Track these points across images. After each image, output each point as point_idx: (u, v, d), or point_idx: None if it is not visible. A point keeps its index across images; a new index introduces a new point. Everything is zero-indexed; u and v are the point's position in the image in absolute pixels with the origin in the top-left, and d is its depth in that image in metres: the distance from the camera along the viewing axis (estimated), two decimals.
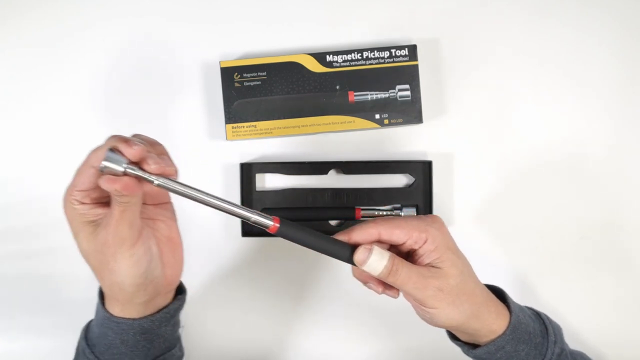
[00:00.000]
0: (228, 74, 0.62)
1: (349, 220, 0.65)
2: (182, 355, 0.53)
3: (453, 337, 0.51)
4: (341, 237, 0.45)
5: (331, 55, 0.62)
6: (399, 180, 0.66)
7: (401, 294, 0.47)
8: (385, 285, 0.47)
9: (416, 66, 0.63)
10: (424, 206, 0.65)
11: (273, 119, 0.62)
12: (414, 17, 0.65)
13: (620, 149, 0.66)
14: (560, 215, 0.66)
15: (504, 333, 0.46)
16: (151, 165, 0.40)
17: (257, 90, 0.62)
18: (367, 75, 0.62)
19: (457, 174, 0.66)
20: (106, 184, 0.39)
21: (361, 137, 0.65)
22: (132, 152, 0.39)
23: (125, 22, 0.65)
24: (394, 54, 0.63)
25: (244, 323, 0.66)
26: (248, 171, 0.65)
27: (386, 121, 0.63)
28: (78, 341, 0.49)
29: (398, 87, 0.63)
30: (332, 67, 0.62)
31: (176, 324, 0.50)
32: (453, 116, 0.65)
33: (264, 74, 0.62)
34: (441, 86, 0.65)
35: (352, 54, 0.62)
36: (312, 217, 0.65)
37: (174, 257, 0.46)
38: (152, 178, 0.40)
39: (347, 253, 0.45)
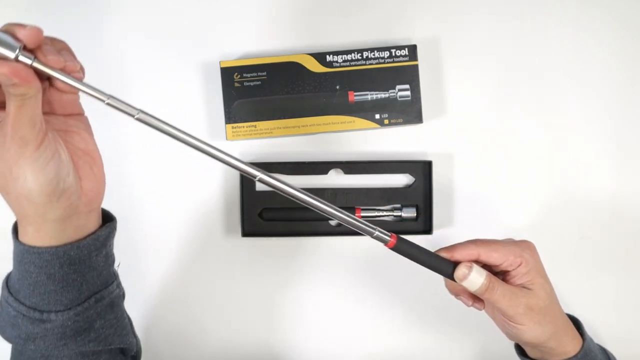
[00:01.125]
0: (228, 74, 0.62)
1: None
2: (122, 294, 0.48)
3: (522, 353, 0.54)
4: (443, 253, 0.49)
5: (331, 55, 0.62)
6: (399, 180, 0.66)
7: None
8: (475, 299, 0.52)
9: (416, 66, 0.63)
10: (424, 206, 0.65)
11: (273, 119, 0.62)
12: (414, 17, 0.65)
13: (620, 149, 0.66)
14: (560, 215, 0.66)
15: (575, 355, 0.50)
16: (48, 56, 0.37)
17: (257, 90, 0.62)
18: (367, 75, 0.62)
19: (457, 174, 0.66)
20: None
21: (361, 137, 0.65)
22: (25, 33, 0.35)
23: (125, 22, 0.65)
24: (394, 54, 0.63)
25: (244, 323, 0.66)
26: None
27: (386, 121, 0.63)
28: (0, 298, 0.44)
29: (398, 87, 0.63)
30: (332, 67, 0.62)
31: (109, 257, 0.45)
32: (453, 116, 0.65)
33: (264, 74, 0.62)
34: (441, 86, 0.65)
35: (352, 54, 0.62)
36: (312, 217, 0.65)
37: (93, 172, 0.42)
38: (51, 70, 0.37)
39: (449, 269, 0.49)
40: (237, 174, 0.65)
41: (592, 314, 0.66)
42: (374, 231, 0.47)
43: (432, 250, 0.50)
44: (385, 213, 0.65)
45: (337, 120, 0.62)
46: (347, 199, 0.65)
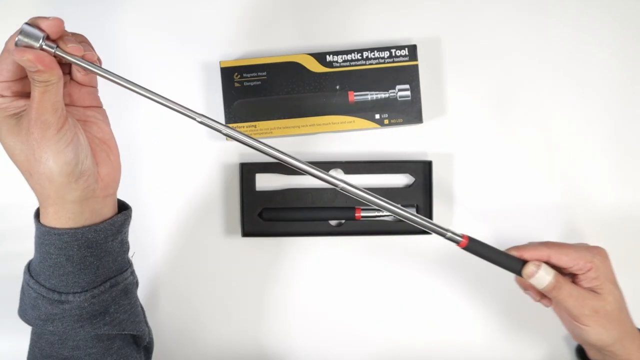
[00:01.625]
0: (228, 74, 0.62)
1: (349, 220, 0.65)
2: (136, 283, 0.51)
3: (582, 357, 0.58)
4: (514, 251, 0.52)
5: (331, 55, 0.62)
6: (399, 180, 0.66)
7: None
8: (542, 296, 0.54)
9: (416, 66, 0.63)
10: (424, 206, 0.65)
11: (273, 119, 0.62)
12: (414, 17, 0.65)
13: (620, 149, 0.66)
14: (561, 215, 0.66)
15: None
16: (68, 45, 0.41)
17: (257, 90, 0.62)
18: (367, 75, 0.62)
19: (457, 174, 0.66)
20: (18, 54, 0.38)
21: (361, 137, 0.65)
22: (48, 23, 0.40)
23: (125, 22, 0.65)
24: (394, 54, 0.63)
25: (244, 322, 0.66)
26: (248, 171, 0.65)
27: (386, 121, 0.63)
28: (22, 282, 0.47)
29: (398, 87, 0.63)
30: (332, 67, 0.62)
31: (124, 243, 0.48)
32: (453, 116, 0.66)
33: (264, 74, 0.62)
34: (441, 86, 0.65)
35: (352, 54, 0.62)
36: (312, 217, 0.65)
37: (110, 159, 0.46)
38: (71, 57, 0.41)
39: (518, 267, 0.52)
40: (237, 174, 0.65)
41: None
42: (446, 232, 0.50)
43: (503, 249, 0.53)
44: (385, 213, 0.65)
45: (337, 120, 0.62)
46: (347, 199, 0.65)
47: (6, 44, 0.41)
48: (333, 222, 0.66)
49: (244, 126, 0.62)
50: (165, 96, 0.44)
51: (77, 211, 0.43)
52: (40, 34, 0.40)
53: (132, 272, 0.50)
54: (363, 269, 0.66)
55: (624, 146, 0.66)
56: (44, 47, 0.40)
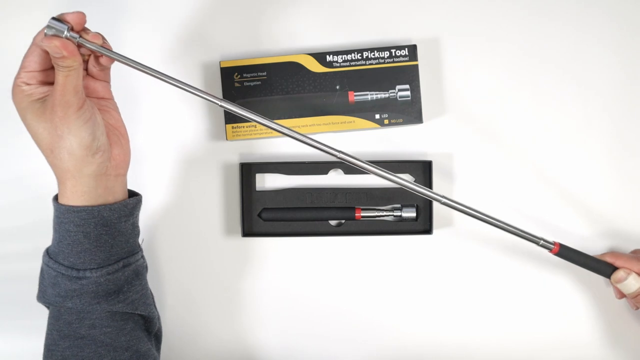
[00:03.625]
0: (228, 74, 0.62)
1: (349, 220, 0.65)
2: (146, 267, 0.55)
3: None
4: (608, 257, 0.60)
5: (331, 55, 0.62)
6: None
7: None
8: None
9: (416, 66, 0.63)
10: (424, 206, 0.65)
11: (273, 119, 0.62)
12: (414, 17, 0.65)
13: (620, 149, 0.66)
14: (560, 215, 0.66)
15: None
16: (89, 34, 0.48)
17: (257, 90, 0.62)
18: (367, 75, 0.62)
19: (457, 174, 0.66)
20: (47, 42, 0.45)
21: (361, 137, 0.65)
22: (72, 16, 0.46)
23: (125, 22, 0.65)
24: (394, 54, 0.63)
25: (244, 323, 0.66)
26: (248, 171, 0.65)
27: (386, 121, 0.63)
28: (41, 266, 0.51)
29: (398, 87, 0.63)
30: (332, 67, 0.62)
31: (135, 227, 0.53)
32: (453, 116, 0.65)
33: (264, 74, 0.62)
34: (441, 86, 0.65)
35: (352, 54, 0.62)
36: (312, 217, 0.65)
37: (121, 142, 0.52)
38: (92, 45, 0.47)
39: (608, 271, 0.60)
40: (237, 174, 0.65)
41: (593, 315, 0.66)
42: (539, 241, 0.56)
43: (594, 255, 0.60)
44: (385, 213, 0.65)
45: (337, 120, 0.62)
46: (347, 199, 0.65)
47: (34, 39, 0.48)
48: (333, 222, 0.66)
49: (244, 126, 0.62)
50: (176, 78, 0.50)
51: (92, 185, 0.48)
52: (65, 25, 0.46)
53: (143, 256, 0.54)
54: (363, 269, 0.66)
55: (624, 146, 0.66)
56: (68, 36, 0.46)
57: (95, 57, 0.50)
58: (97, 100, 0.52)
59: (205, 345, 0.66)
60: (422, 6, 0.65)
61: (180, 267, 0.66)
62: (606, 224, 0.66)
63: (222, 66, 0.62)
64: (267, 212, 0.65)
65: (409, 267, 0.66)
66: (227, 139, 0.63)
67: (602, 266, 0.59)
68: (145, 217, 0.65)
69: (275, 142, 0.65)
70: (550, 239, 0.57)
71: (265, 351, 0.66)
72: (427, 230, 0.64)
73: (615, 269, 0.59)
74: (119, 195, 0.51)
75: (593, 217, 0.66)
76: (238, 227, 0.65)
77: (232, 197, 0.65)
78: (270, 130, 0.63)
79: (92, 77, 0.52)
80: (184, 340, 0.66)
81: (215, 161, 0.66)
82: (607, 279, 0.61)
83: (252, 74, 0.62)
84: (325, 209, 0.65)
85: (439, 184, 0.65)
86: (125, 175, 0.53)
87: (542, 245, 0.56)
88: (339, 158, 0.52)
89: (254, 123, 0.62)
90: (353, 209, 0.65)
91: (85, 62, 0.51)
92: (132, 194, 0.54)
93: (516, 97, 0.66)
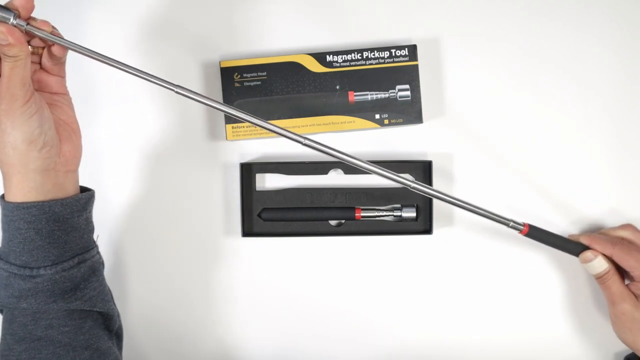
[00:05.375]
0: (228, 74, 0.62)
1: (349, 220, 0.65)
2: (102, 263, 0.54)
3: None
4: (583, 238, 0.60)
5: (331, 55, 0.62)
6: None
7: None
8: None
9: (416, 66, 0.63)
10: (424, 206, 0.65)
11: (273, 119, 0.62)
12: (414, 17, 0.65)
13: (620, 149, 0.66)
14: (561, 215, 0.66)
15: None
16: (37, 20, 0.46)
17: (257, 90, 0.62)
18: (367, 75, 0.62)
19: (457, 174, 0.66)
20: None
21: (361, 137, 0.65)
22: (19, 2, 0.45)
23: (125, 22, 0.65)
24: (394, 54, 0.63)
25: (244, 323, 0.66)
26: (248, 171, 0.65)
27: (386, 121, 0.63)
28: None
29: (398, 87, 0.63)
30: (332, 67, 0.62)
31: (89, 222, 0.52)
32: (453, 116, 0.65)
33: (264, 74, 0.62)
34: (441, 86, 0.65)
35: (352, 54, 0.62)
36: (312, 217, 0.65)
37: (71, 139, 0.50)
38: (41, 33, 0.46)
39: (577, 250, 0.60)
40: (237, 174, 0.65)
41: (592, 316, 0.66)
42: (509, 222, 0.57)
43: (565, 235, 0.61)
44: (385, 213, 0.65)
45: (337, 120, 0.62)
46: (347, 199, 0.65)
47: None
48: (333, 222, 0.66)
49: (244, 126, 0.62)
50: (131, 65, 0.49)
51: (39, 181, 0.47)
52: (12, 12, 0.45)
53: (98, 252, 0.53)
54: (363, 269, 0.66)
55: (623, 146, 0.66)
56: (15, 24, 0.45)
57: (48, 48, 0.49)
58: (50, 95, 0.50)
59: (205, 345, 0.66)
60: (422, 6, 0.65)
61: (180, 267, 0.66)
62: (606, 223, 0.66)
63: (222, 66, 0.62)
64: (267, 212, 0.65)
65: (409, 267, 0.66)
66: (227, 139, 0.63)
67: (571, 245, 0.60)
68: (145, 217, 0.65)
69: (275, 142, 0.65)
70: (520, 221, 0.58)
71: (265, 351, 0.66)
72: (427, 230, 0.64)
73: (585, 248, 0.59)
74: (70, 191, 0.50)
75: (593, 217, 0.66)
76: (238, 227, 0.65)
77: (232, 197, 0.65)
78: (270, 130, 0.63)
79: (46, 71, 0.50)
80: (184, 340, 0.66)
81: (215, 161, 0.66)
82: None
83: (252, 74, 0.62)
84: (325, 209, 0.65)
85: (439, 184, 0.65)
86: (76, 171, 0.51)
87: (512, 227, 0.57)
88: (336, 158, 0.53)
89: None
90: (353, 209, 0.65)
91: (39, 55, 0.49)
92: (84, 190, 0.52)
93: (516, 97, 0.66)
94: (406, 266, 0.66)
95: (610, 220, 0.65)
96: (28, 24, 0.46)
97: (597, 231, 0.64)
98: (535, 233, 0.59)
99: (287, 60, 0.62)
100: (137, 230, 0.66)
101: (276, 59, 0.62)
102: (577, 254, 0.60)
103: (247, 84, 0.62)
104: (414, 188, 0.54)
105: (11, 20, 0.44)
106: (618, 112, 0.66)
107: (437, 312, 0.66)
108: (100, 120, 0.65)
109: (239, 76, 0.62)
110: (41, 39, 0.47)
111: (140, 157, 0.65)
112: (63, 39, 0.47)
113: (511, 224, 0.57)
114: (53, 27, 0.47)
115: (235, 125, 0.62)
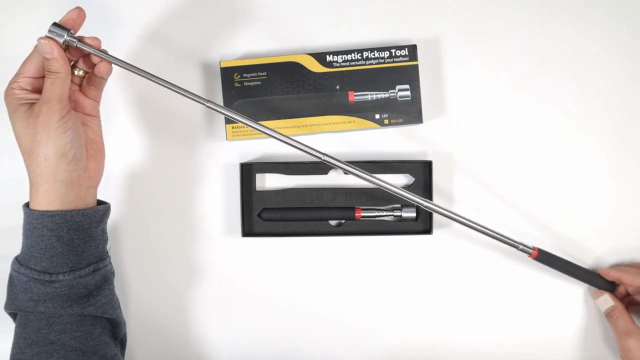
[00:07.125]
0: (228, 74, 0.62)
1: (349, 220, 0.65)
2: (113, 273, 0.57)
3: None
4: (614, 272, 0.61)
5: (331, 55, 0.62)
6: (399, 180, 0.66)
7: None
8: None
9: (416, 66, 0.63)
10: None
11: (273, 119, 0.62)
12: (414, 17, 0.65)
13: (620, 149, 0.66)
14: (561, 216, 0.66)
15: None
16: (86, 39, 0.51)
17: (257, 90, 0.62)
18: (367, 75, 0.62)
19: (457, 174, 0.66)
20: (40, 41, 0.48)
21: (361, 137, 0.65)
22: (69, 15, 0.50)
23: (125, 22, 0.65)
24: (394, 54, 0.63)
25: (244, 323, 0.66)
26: (248, 171, 0.65)
27: (386, 121, 0.63)
28: (8, 277, 0.52)
29: (398, 87, 0.63)
30: (332, 67, 0.62)
31: (104, 233, 0.55)
32: (453, 116, 0.66)
33: (264, 74, 0.62)
34: (441, 86, 0.65)
35: (352, 54, 0.62)
36: (312, 217, 0.65)
37: (97, 157, 0.55)
38: (90, 49, 0.50)
39: (587, 278, 0.62)
40: (237, 174, 0.65)
41: (593, 316, 0.66)
42: (518, 245, 0.58)
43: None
44: (385, 213, 0.65)
45: (337, 120, 0.62)
46: (347, 199, 0.65)
47: (35, 46, 0.51)
48: (333, 222, 0.66)
49: (244, 126, 0.62)
50: (171, 81, 0.53)
51: (63, 192, 0.50)
52: (65, 30, 0.48)
53: (110, 263, 0.56)
54: (363, 269, 0.66)
55: (623, 146, 0.66)
56: (67, 40, 0.49)
57: (92, 70, 0.53)
58: (83, 116, 0.55)
59: (205, 345, 0.66)
60: (422, 6, 0.65)
61: (180, 267, 0.66)
62: (606, 223, 0.66)
63: (222, 66, 0.62)
64: (267, 212, 0.65)
65: (409, 267, 0.66)
66: (227, 139, 0.63)
67: (582, 273, 0.61)
68: (145, 217, 0.65)
69: (275, 142, 0.65)
70: (530, 245, 0.59)
71: (265, 351, 0.66)
72: (427, 230, 0.64)
73: (595, 277, 0.61)
74: (90, 204, 0.54)
75: (593, 217, 0.66)
76: (238, 227, 0.65)
77: (232, 197, 0.65)
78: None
79: (83, 94, 0.55)
80: (184, 340, 0.66)
81: (215, 161, 0.66)
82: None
83: (252, 74, 0.62)
84: (325, 209, 0.65)
85: (439, 184, 0.65)
86: (96, 187, 0.55)
87: (521, 250, 0.58)
88: (322, 160, 0.54)
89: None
90: (353, 209, 0.65)
91: (81, 78, 0.54)
92: (100, 203, 0.56)
93: (516, 97, 0.66)
94: (406, 266, 0.66)
95: (610, 219, 0.66)
96: (80, 40, 0.50)
97: (627, 263, 0.65)
98: (544, 257, 0.60)
99: (287, 60, 0.62)
100: (137, 230, 0.66)
101: (276, 59, 0.62)
102: (585, 280, 0.62)
103: (247, 84, 0.62)
104: (426, 207, 0.55)
105: (65, 37, 0.48)
106: (618, 112, 0.66)
107: (437, 312, 0.66)
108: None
109: (239, 76, 0.62)
110: (90, 54, 0.51)
111: (140, 157, 0.65)
112: (109, 54, 0.51)
113: (520, 247, 0.58)
114: (104, 50, 0.52)
115: (235, 125, 0.62)
